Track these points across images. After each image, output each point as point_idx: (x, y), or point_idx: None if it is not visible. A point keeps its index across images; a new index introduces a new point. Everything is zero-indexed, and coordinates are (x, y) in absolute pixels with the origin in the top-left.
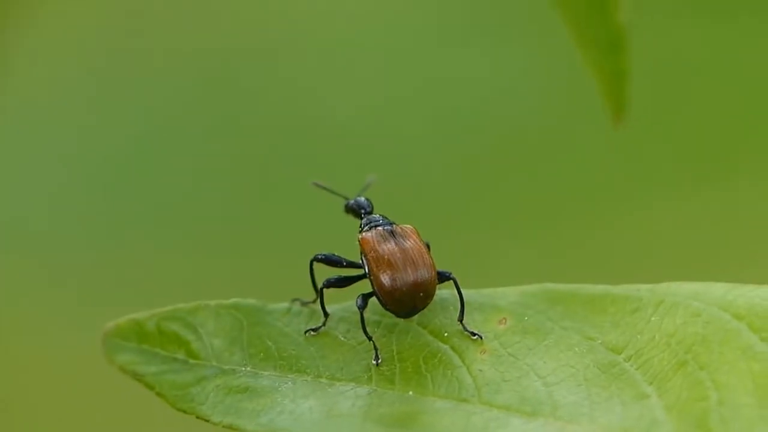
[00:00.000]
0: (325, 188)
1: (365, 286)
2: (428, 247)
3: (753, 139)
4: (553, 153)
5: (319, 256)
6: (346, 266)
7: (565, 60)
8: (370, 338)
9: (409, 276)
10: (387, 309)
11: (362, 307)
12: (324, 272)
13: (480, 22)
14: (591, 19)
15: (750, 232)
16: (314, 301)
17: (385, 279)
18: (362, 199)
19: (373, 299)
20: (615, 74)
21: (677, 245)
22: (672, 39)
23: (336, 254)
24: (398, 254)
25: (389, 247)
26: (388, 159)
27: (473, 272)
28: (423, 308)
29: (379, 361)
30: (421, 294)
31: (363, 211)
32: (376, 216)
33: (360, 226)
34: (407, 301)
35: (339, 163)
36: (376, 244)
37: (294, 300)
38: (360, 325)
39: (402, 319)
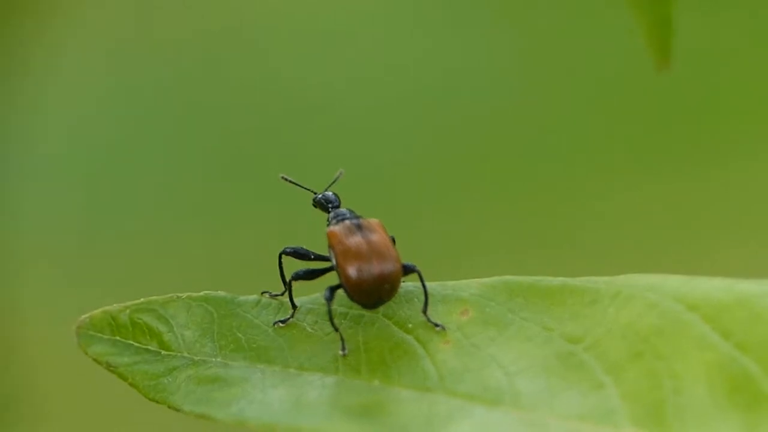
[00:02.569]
0: (293, 182)
1: (333, 278)
2: (394, 240)
3: (718, 128)
4: (523, 143)
5: (288, 250)
6: (314, 259)
7: (536, 53)
8: (336, 329)
9: (375, 268)
10: (353, 300)
11: (329, 299)
12: (292, 265)
13: (457, 10)
14: None
15: (709, 224)
16: (283, 294)
17: (351, 271)
18: (330, 193)
19: (341, 291)
20: (659, 21)
21: (639, 236)
22: None
23: (304, 247)
24: (364, 247)
25: (356, 240)
26: (364, 151)
27: (439, 264)
28: (388, 300)
29: (346, 351)
30: (387, 286)
31: (330, 205)
32: (343, 210)
33: (328, 220)
34: (373, 293)
35: (314, 153)
36: (343, 237)
37: (263, 292)
38: (327, 316)
39: (368, 311)
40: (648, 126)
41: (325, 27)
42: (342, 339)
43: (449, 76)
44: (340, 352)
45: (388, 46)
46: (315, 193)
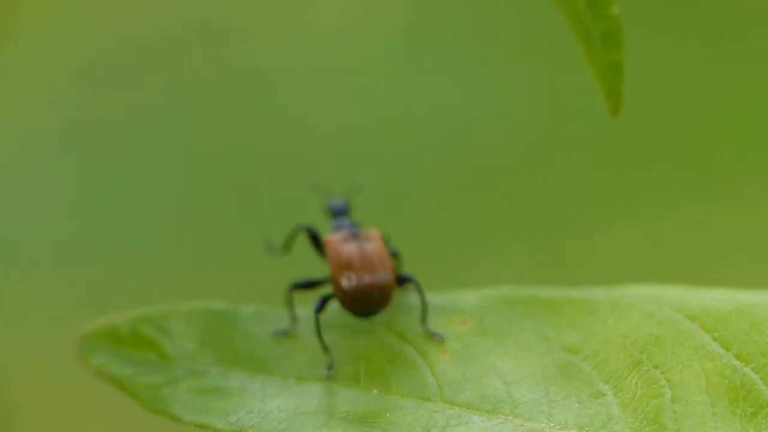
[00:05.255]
0: (319, 187)
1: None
2: (397, 254)
3: (716, 155)
4: (526, 173)
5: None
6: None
7: (538, 86)
8: (323, 343)
9: (366, 277)
10: (345, 308)
11: (318, 311)
12: (291, 275)
13: (456, 49)
14: (588, 14)
15: (707, 246)
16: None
17: (342, 279)
18: (337, 202)
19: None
20: (610, 67)
21: (639, 262)
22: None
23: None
24: (357, 256)
25: (349, 248)
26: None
27: (444, 282)
28: (380, 309)
29: (331, 372)
30: (377, 295)
31: (334, 214)
32: (345, 220)
33: (330, 229)
34: (363, 302)
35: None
36: (338, 245)
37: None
38: (315, 329)
39: (368, 321)
40: (654, 149)
41: (334, 67)
42: (328, 354)
43: (458, 110)
44: (325, 372)
45: (396, 88)
46: (329, 201)
